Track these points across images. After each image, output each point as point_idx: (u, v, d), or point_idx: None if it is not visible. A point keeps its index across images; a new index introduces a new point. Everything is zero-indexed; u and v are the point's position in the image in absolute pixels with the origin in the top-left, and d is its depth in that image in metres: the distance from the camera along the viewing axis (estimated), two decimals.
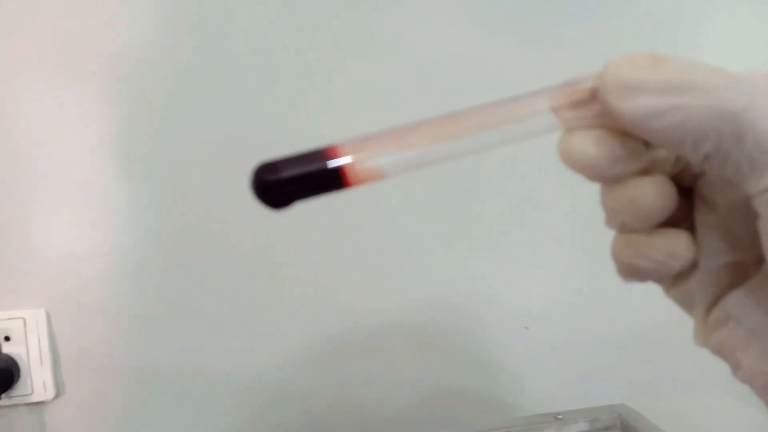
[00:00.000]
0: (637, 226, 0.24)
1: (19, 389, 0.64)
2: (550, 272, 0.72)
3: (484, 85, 0.67)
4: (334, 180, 0.22)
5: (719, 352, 0.25)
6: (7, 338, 0.63)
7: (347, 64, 0.65)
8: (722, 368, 0.80)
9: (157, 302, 0.65)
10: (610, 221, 0.25)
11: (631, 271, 0.25)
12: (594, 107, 0.22)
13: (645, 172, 0.23)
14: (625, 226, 0.24)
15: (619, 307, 0.74)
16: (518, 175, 0.70)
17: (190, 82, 0.63)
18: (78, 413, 0.66)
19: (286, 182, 0.21)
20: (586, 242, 0.72)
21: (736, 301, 0.23)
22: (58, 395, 0.65)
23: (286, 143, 0.65)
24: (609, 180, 0.23)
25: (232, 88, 0.64)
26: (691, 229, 0.24)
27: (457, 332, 0.71)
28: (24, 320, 0.64)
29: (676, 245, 0.24)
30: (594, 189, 0.77)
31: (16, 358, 0.64)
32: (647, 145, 0.22)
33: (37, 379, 0.64)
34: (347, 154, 0.22)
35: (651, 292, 0.76)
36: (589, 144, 0.22)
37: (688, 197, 0.25)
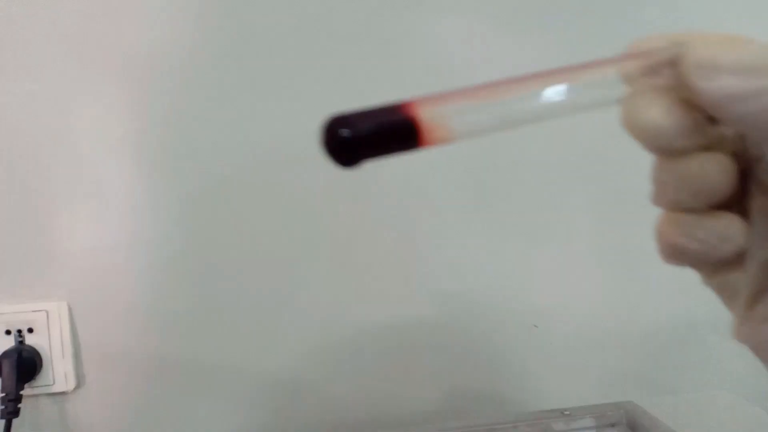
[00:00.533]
0: (691, 204, 0.23)
1: (42, 380, 0.66)
2: (561, 270, 0.73)
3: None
4: (409, 138, 0.21)
5: (764, 350, 0.23)
6: (30, 330, 0.65)
7: (368, 67, 0.67)
8: (730, 367, 0.81)
9: (176, 297, 0.67)
10: (659, 197, 0.24)
11: (676, 253, 0.24)
12: (666, 77, 0.22)
13: (707, 148, 0.22)
14: (676, 203, 0.23)
15: (629, 306, 0.75)
16: (532, 171, 0.71)
17: (212, 81, 0.64)
18: (98, 404, 0.68)
19: (361, 139, 0.20)
20: (598, 241, 0.73)
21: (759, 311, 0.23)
22: (78, 386, 0.67)
23: (308, 143, 0.66)
24: (669, 152, 0.22)
25: (254, 88, 0.65)
26: (742, 214, 0.23)
27: (468, 329, 0.72)
28: (47, 313, 0.66)
29: (729, 228, 0.23)
30: (608, 188, 0.78)
31: (39, 349, 0.66)
32: (713, 120, 0.22)
33: (58, 370, 0.66)
34: (423, 110, 0.21)
35: (662, 291, 0.77)
36: (658, 111, 0.22)
37: (742, 180, 0.24)
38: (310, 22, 0.65)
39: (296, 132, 0.66)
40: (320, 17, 0.65)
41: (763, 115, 0.20)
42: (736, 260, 0.24)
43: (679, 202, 0.23)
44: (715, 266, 0.25)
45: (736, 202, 0.24)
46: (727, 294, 0.25)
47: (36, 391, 0.66)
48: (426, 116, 0.21)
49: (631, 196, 0.72)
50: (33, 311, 0.65)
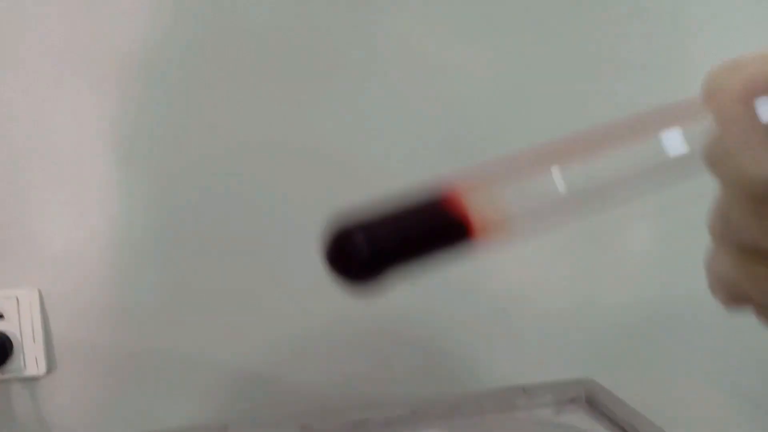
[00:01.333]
0: None
1: (13, 365, 0.66)
2: (530, 256, 0.75)
3: (487, 90, 0.70)
4: (456, 244, 0.15)
5: None
6: (0, 316, 0.66)
7: (354, 65, 0.68)
8: (690, 351, 0.84)
9: (147, 285, 0.68)
10: (733, 236, 0.19)
11: (740, 302, 0.20)
12: None
13: None
14: (755, 246, 0.19)
15: (594, 291, 0.77)
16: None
17: (190, 77, 0.65)
18: (69, 389, 0.68)
19: (388, 257, 0.15)
20: (566, 228, 0.75)
21: None
22: (49, 371, 0.68)
23: (286, 141, 0.68)
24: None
25: (232, 85, 0.66)
26: None
27: (437, 313, 0.73)
28: (17, 299, 0.66)
29: None
30: (576, 174, 0.80)
31: (10, 335, 0.66)
32: None
33: (29, 356, 0.67)
34: (471, 202, 0.15)
35: (626, 276, 0.79)
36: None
37: None
38: (283, 19, 0.66)
39: (271, 124, 0.67)
40: (294, 17, 0.66)
41: None
42: None
43: (762, 248, 0.19)
44: None
45: None
46: None
47: (7, 376, 0.66)
48: (479, 209, 0.15)
49: (600, 182, 0.74)
50: (4, 297, 0.66)
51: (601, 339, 0.78)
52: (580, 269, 0.76)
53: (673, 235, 0.72)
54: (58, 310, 0.67)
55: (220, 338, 0.70)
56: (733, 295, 0.20)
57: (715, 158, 0.18)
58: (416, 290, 0.72)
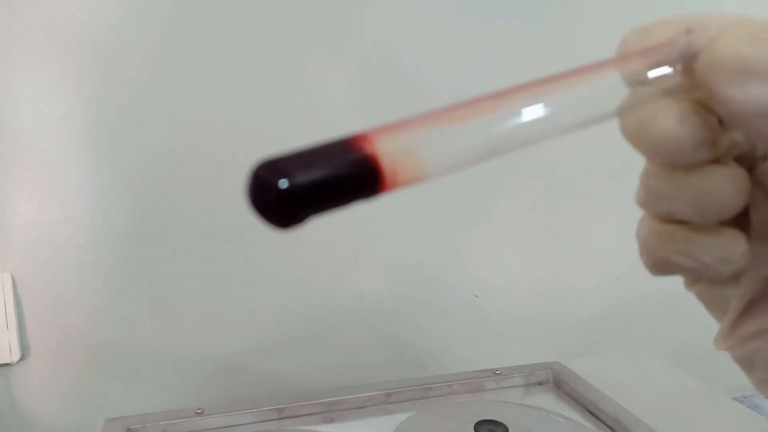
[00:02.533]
0: (695, 220, 0.20)
1: None
2: (500, 245, 0.77)
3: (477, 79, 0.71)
4: (368, 182, 0.16)
5: (747, 362, 0.21)
6: None
7: (328, 51, 0.68)
8: (657, 334, 0.86)
9: (120, 272, 0.68)
10: (650, 206, 0.21)
11: (665, 268, 0.21)
12: (677, 75, 0.18)
13: (718, 158, 0.19)
14: (671, 215, 0.20)
15: (561, 279, 0.79)
16: None
17: (158, 56, 0.65)
18: (43, 375, 0.69)
19: (304, 191, 0.15)
20: (534, 218, 0.77)
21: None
22: (23, 357, 0.68)
23: (258, 128, 0.68)
24: (677, 165, 0.19)
25: (207, 68, 0.66)
26: (739, 225, 0.20)
27: (411, 301, 0.75)
28: None
29: (732, 250, 0.20)
30: (546, 168, 0.82)
31: None
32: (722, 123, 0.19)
33: (3, 342, 0.67)
34: (383, 144, 0.16)
35: (593, 264, 0.81)
36: (671, 120, 0.18)
37: None
38: (255, 3, 0.66)
39: (246, 110, 0.68)
40: (268, 6, 0.67)
41: None
42: (729, 277, 0.21)
43: (677, 216, 0.20)
44: (705, 280, 0.22)
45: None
46: (712, 303, 0.23)
47: None
48: (388, 151, 0.16)
49: (564, 178, 0.76)
50: None
51: (569, 325, 0.80)
52: (547, 258, 0.78)
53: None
54: (31, 296, 0.67)
55: (195, 326, 0.70)
56: (656, 261, 0.21)
57: (625, 123, 0.19)
58: (386, 280, 0.74)
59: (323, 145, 0.16)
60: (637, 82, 0.18)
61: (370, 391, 0.63)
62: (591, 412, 0.63)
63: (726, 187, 0.19)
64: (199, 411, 0.57)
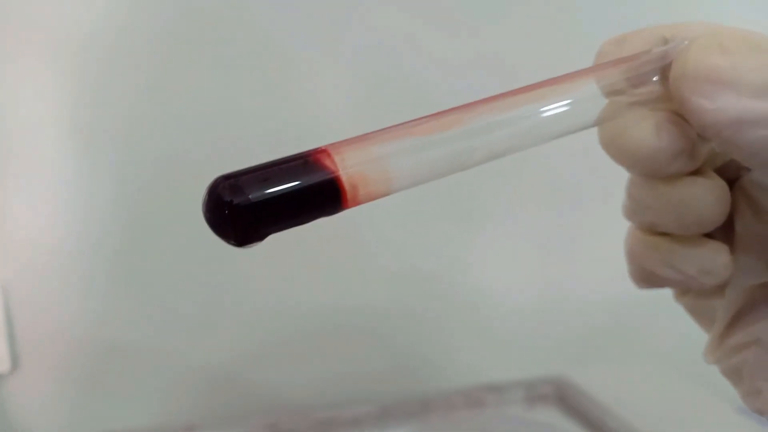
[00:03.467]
0: (677, 231, 0.20)
1: None
2: (500, 253, 0.75)
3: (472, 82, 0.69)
4: (326, 200, 0.15)
5: (735, 375, 0.22)
6: None
7: (327, 54, 0.67)
8: (660, 344, 0.84)
9: (113, 280, 0.67)
10: (635, 216, 0.21)
11: (650, 280, 0.21)
12: (654, 86, 0.18)
13: (698, 169, 0.19)
14: (655, 226, 0.20)
15: (563, 287, 0.77)
16: None
17: (150, 59, 0.64)
18: (35, 386, 0.67)
19: (258, 209, 0.15)
20: (535, 225, 0.75)
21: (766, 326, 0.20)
22: (14, 368, 0.66)
23: (250, 124, 0.67)
24: (657, 176, 0.19)
25: (194, 67, 0.65)
26: (724, 235, 0.20)
27: (410, 310, 0.73)
28: None
29: (714, 261, 0.20)
30: (547, 175, 0.80)
31: None
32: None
33: None
34: (345, 159, 0.16)
35: (596, 273, 0.79)
36: (648, 131, 0.18)
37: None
38: (254, 3, 0.65)
39: (239, 113, 0.66)
40: (260, 5, 0.65)
41: None
42: (715, 288, 0.21)
43: (660, 227, 0.20)
44: (692, 292, 0.23)
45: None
46: (700, 315, 0.23)
47: None
48: (349, 166, 0.15)
49: (569, 183, 0.74)
50: None
51: (572, 336, 0.78)
52: (551, 266, 0.77)
53: None
54: (22, 305, 0.66)
55: (188, 336, 0.69)
56: (642, 272, 0.22)
57: (602, 134, 0.19)
58: (385, 287, 0.72)
59: (282, 160, 0.16)
60: (614, 92, 0.18)
61: (366, 406, 0.62)
62: (595, 427, 0.61)
63: (706, 198, 0.19)
64: (191, 427, 0.56)
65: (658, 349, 0.78)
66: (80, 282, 0.66)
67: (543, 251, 0.76)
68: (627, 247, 0.22)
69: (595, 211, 0.73)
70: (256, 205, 0.15)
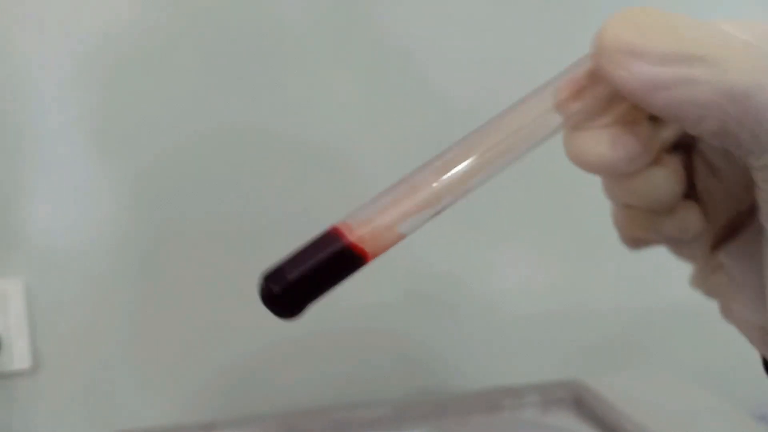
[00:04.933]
0: (646, 209, 0.23)
1: None
2: (517, 258, 0.75)
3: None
4: (352, 265, 0.20)
5: (712, 295, 0.26)
6: None
7: (334, 51, 0.67)
8: (676, 350, 0.84)
9: (135, 280, 0.68)
10: (612, 199, 0.25)
11: (638, 243, 0.25)
12: (598, 90, 0.21)
13: (656, 158, 0.22)
14: (629, 206, 0.24)
15: (580, 292, 0.77)
16: None
17: (172, 64, 0.65)
18: (56, 383, 0.68)
19: (297, 284, 0.20)
20: (553, 230, 0.75)
21: (726, 255, 0.24)
22: (36, 366, 0.67)
23: (269, 128, 0.67)
24: (621, 176, 0.23)
25: (216, 72, 0.66)
26: (693, 187, 0.24)
27: (426, 314, 0.73)
28: (3, 292, 0.66)
29: (687, 220, 0.23)
30: (563, 179, 0.80)
31: None
32: (654, 121, 0.22)
33: (16, 350, 0.67)
34: (358, 230, 0.20)
35: (613, 278, 0.79)
36: (604, 146, 0.21)
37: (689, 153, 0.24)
38: (262, 4, 0.66)
39: (252, 112, 0.67)
40: (272, 5, 0.66)
41: (684, 106, 0.19)
42: (694, 238, 0.25)
43: (634, 207, 0.24)
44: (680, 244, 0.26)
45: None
46: (685, 256, 0.26)
47: None
48: (365, 237, 0.20)
49: (589, 191, 0.74)
50: None
51: (588, 342, 0.78)
52: (567, 271, 0.76)
53: None
54: (44, 306, 0.67)
55: (207, 337, 0.70)
56: (629, 240, 0.25)
57: (568, 152, 0.22)
58: (403, 291, 0.72)
59: (310, 246, 0.20)
60: (565, 106, 0.21)
61: (382, 408, 0.62)
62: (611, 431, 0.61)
63: (663, 184, 0.22)
64: (210, 426, 0.57)
65: (673, 356, 0.78)
66: (101, 283, 0.67)
67: (561, 259, 0.76)
68: (613, 219, 0.25)
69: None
70: (293, 291, 0.20)
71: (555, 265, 0.76)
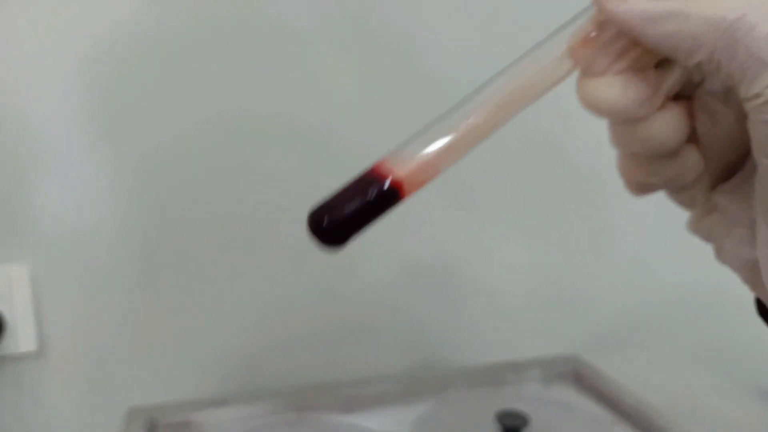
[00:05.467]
0: (650, 155, 0.25)
1: (5, 343, 0.67)
2: (521, 235, 0.76)
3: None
4: (389, 200, 0.22)
5: (707, 237, 0.27)
6: None
7: (339, 41, 0.68)
8: (675, 330, 0.85)
9: (140, 260, 0.68)
10: (618, 147, 0.26)
11: (643, 188, 0.27)
12: (605, 36, 0.23)
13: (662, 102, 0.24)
14: (635, 152, 0.26)
15: (582, 274, 0.79)
16: (487, 153, 0.74)
17: (173, 54, 0.65)
18: (62, 367, 0.69)
19: (347, 220, 0.22)
20: (558, 214, 0.77)
21: (721, 194, 0.26)
22: (42, 349, 0.68)
23: (270, 115, 0.68)
24: (629, 121, 0.24)
25: (216, 61, 0.66)
26: (694, 133, 0.25)
27: (427, 295, 0.74)
28: (9, 276, 0.66)
29: (687, 162, 0.25)
30: (569, 163, 0.80)
31: (2, 313, 0.66)
32: (660, 68, 0.23)
33: (22, 334, 0.67)
34: (395, 168, 0.22)
35: (614, 262, 0.80)
36: (616, 91, 0.23)
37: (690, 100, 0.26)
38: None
39: (252, 100, 0.67)
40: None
41: (675, 37, 0.21)
42: (694, 181, 0.27)
43: (639, 154, 0.26)
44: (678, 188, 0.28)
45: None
46: (685, 203, 0.28)
47: (0, 353, 0.66)
48: (402, 172, 0.22)
49: (591, 167, 0.76)
50: None
51: (587, 320, 0.80)
52: (570, 253, 0.78)
53: (663, 218, 0.73)
54: (50, 287, 0.67)
55: (214, 317, 0.70)
56: (634, 185, 0.27)
57: (581, 97, 0.24)
58: (408, 272, 0.74)
59: (354, 182, 0.23)
60: (579, 53, 0.24)
61: (388, 385, 0.63)
62: (611, 405, 0.63)
63: (668, 129, 0.24)
64: (222, 401, 0.58)
65: (672, 338, 0.80)
66: (105, 267, 0.67)
67: (564, 241, 0.77)
68: (619, 166, 0.27)
69: (616, 202, 0.74)
70: (337, 224, 0.22)
71: (558, 246, 0.78)
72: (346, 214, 0.22)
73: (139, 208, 0.67)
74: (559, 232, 0.77)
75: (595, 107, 0.24)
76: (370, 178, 0.22)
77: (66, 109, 0.64)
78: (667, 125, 0.24)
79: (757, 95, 0.21)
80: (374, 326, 0.73)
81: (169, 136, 0.67)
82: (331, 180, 0.70)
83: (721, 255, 0.27)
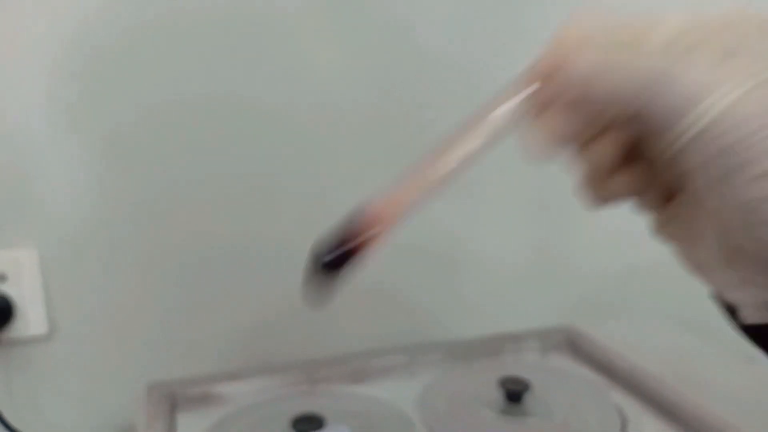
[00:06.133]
0: (599, 172, 0.29)
1: (15, 327, 0.67)
2: (514, 213, 0.78)
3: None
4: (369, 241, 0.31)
5: (668, 241, 0.30)
6: (1, 277, 0.67)
7: (327, 23, 0.70)
8: (666, 300, 0.86)
9: (150, 239, 0.69)
10: (575, 172, 0.31)
11: (599, 203, 0.30)
12: (546, 91, 0.28)
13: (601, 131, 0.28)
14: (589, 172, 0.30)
15: (573, 248, 0.81)
16: None
17: (162, 34, 0.66)
18: (71, 350, 0.70)
19: (333, 265, 0.30)
20: (553, 191, 0.79)
21: (677, 204, 0.28)
22: (51, 333, 0.69)
23: (257, 96, 0.69)
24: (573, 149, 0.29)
25: (204, 42, 0.67)
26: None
27: (424, 272, 0.76)
28: (18, 260, 0.67)
29: (631, 181, 0.28)
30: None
31: (11, 297, 0.67)
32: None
33: (31, 318, 0.68)
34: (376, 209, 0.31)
35: (603, 235, 0.82)
36: (542, 141, 0.28)
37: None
38: None
39: (240, 82, 0.68)
40: None
41: (620, 89, 0.25)
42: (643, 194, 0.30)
43: (590, 173, 0.30)
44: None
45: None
46: (648, 208, 0.31)
47: (9, 338, 0.67)
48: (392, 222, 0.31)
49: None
50: (4, 260, 0.67)
51: (578, 289, 0.82)
52: (556, 220, 0.80)
53: None
54: (59, 271, 0.68)
55: (226, 294, 0.71)
56: (591, 198, 0.31)
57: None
58: (410, 250, 0.75)
59: (348, 227, 0.30)
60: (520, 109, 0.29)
61: (395, 355, 0.66)
62: (606, 371, 0.65)
63: (603, 154, 0.28)
64: (233, 375, 0.59)
65: (661, 303, 0.82)
66: (117, 246, 0.68)
67: (556, 217, 0.80)
68: (578, 186, 0.31)
69: None
70: (331, 265, 0.30)
71: (550, 222, 0.80)
72: (336, 260, 0.30)
73: (148, 187, 0.68)
74: (549, 206, 0.79)
75: (537, 151, 0.29)
76: (359, 229, 0.31)
77: (69, 101, 0.64)
78: (602, 152, 0.28)
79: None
80: (381, 303, 0.75)
81: (162, 119, 0.67)
82: (318, 160, 0.71)
83: (679, 257, 0.30)
